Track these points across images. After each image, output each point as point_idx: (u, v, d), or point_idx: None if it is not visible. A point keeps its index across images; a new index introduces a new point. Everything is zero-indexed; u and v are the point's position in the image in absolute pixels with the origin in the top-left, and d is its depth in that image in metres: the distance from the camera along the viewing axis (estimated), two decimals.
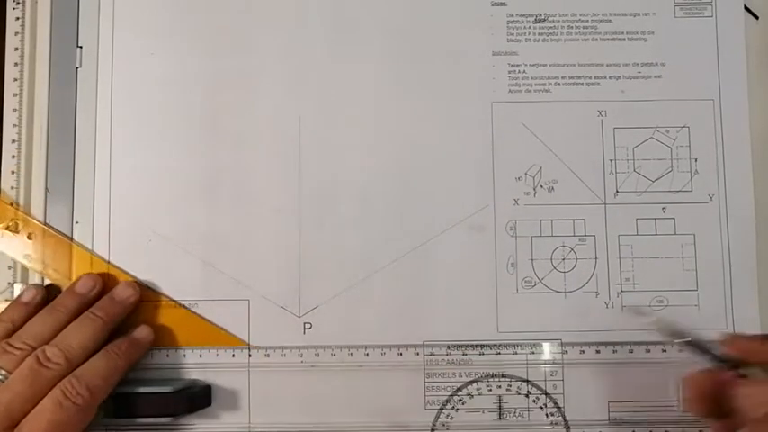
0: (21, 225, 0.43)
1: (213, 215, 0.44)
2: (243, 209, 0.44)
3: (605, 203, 0.44)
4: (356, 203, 0.44)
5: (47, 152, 0.44)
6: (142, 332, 0.42)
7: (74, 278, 0.43)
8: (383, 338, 0.43)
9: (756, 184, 0.44)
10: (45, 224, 0.43)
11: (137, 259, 0.43)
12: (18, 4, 0.45)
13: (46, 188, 0.44)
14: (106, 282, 0.43)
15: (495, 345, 0.43)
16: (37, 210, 0.44)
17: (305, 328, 0.43)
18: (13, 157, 0.44)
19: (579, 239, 0.44)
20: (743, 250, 0.44)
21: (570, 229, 0.44)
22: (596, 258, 0.44)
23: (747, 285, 0.43)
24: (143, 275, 0.43)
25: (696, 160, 0.44)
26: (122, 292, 0.42)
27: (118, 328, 0.42)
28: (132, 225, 0.44)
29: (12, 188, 0.44)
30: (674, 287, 0.43)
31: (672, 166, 0.44)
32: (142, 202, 0.44)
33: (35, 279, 0.43)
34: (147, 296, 0.43)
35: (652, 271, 0.43)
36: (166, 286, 0.43)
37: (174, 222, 0.44)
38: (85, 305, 0.41)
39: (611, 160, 0.44)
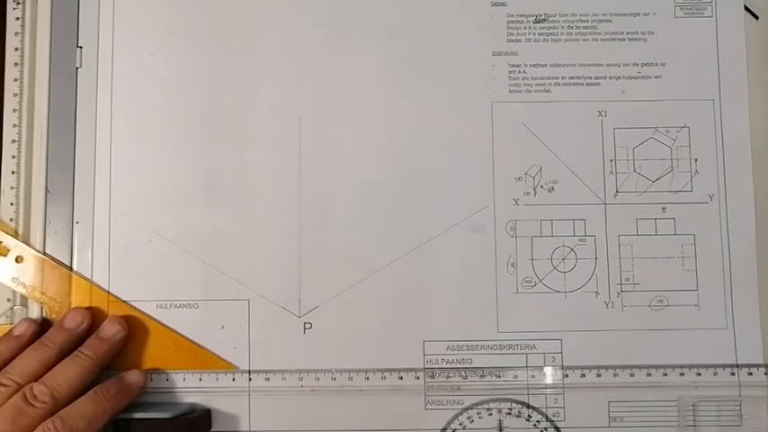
0: (10, 247, 0.43)
1: (213, 215, 0.44)
2: (243, 209, 0.44)
3: (605, 203, 0.44)
4: (356, 203, 0.44)
5: (47, 152, 0.44)
6: (133, 377, 0.41)
7: (71, 302, 0.43)
8: (383, 339, 0.43)
9: (756, 184, 0.44)
10: (35, 248, 0.43)
11: (137, 260, 0.43)
12: (18, 4, 0.45)
13: (46, 188, 0.44)
14: (102, 310, 0.43)
15: (494, 345, 0.43)
16: (37, 210, 0.44)
17: (305, 328, 0.43)
18: (13, 157, 0.44)
19: (579, 239, 0.44)
20: (743, 250, 0.44)
21: (570, 229, 0.44)
22: (596, 258, 0.44)
23: (747, 285, 0.43)
24: (143, 275, 0.43)
25: (696, 160, 0.44)
26: (109, 330, 0.42)
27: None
28: (132, 225, 0.44)
29: (12, 188, 0.44)
30: (674, 287, 0.43)
31: (672, 166, 0.44)
32: (142, 202, 0.44)
33: (34, 304, 0.43)
34: (144, 320, 0.43)
35: (652, 271, 0.43)
36: (166, 286, 0.43)
37: (174, 222, 0.44)
38: (75, 340, 0.41)
39: (611, 160, 0.44)
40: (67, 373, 0.39)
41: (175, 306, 0.43)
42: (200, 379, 0.43)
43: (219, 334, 0.43)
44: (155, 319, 0.43)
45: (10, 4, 0.45)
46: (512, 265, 0.44)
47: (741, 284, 0.43)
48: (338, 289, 0.43)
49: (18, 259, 0.43)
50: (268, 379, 0.43)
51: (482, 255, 0.44)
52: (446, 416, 0.43)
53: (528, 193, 0.44)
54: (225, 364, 0.43)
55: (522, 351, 0.43)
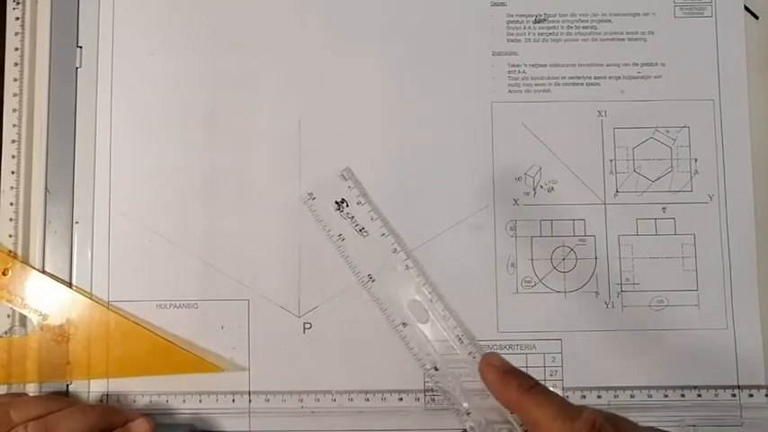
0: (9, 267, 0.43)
1: (213, 215, 0.44)
2: (243, 209, 0.44)
3: (605, 203, 0.44)
4: None
5: (47, 152, 0.44)
6: (141, 427, 0.39)
7: (70, 316, 0.43)
8: (383, 339, 0.43)
9: (756, 184, 0.44)
10: (35, 266, 0.43)
11: (136, 260, 0.43)
12: (18, 4, 0.45)
13: (46, 188, 0.44)
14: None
15: (494, 345, 0.43)
16: (37, 210, 0.44)
17: (305, 328, 0.43)
18: (13, 157, 0.44)
19: (579, 239, 0.44)
20: (743, 250, 0.44)
21: (570, 229, 0.44)
22: (596, 258, 0.44)
23: (747, 285, 0.43)
24: (143, 275, 0.43)
25: (696, 160, 0.44)
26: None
27: None
28: (132, 225, 0.44)
29: (12, 188, 0.44)
30: (674, 287, 0.43)
31: (672, 166, 0.44)
32: (142, 202, 0.44)
33: (33, 320, 0.43)
34: (140, 329, 0.43)
35: (652, 271, 0.43)
36: (166, 286, 0.43)
37: (174, 222, 0.44)
38: None
39: (611, 160, 0.44)
40: None
41: (175, 306, 0.43)
42: (200, 401, 0.43)
43: (219, 334, 0.43)
44: (151, 327, 0.43)
45: (10, 4, 0.45)
46: (512, 265, 0.44)
47: (741, 284, 0.43)
48: (338, 289, 0.43)
49: (15, 276, 0.43)
50: (268, 400, 0.43)
51: (482, 255, 0.44)
52: None
53: (528, 193, 0.44)
54: (212, 366, 0.42)
55: (522, 351, 0.43)
